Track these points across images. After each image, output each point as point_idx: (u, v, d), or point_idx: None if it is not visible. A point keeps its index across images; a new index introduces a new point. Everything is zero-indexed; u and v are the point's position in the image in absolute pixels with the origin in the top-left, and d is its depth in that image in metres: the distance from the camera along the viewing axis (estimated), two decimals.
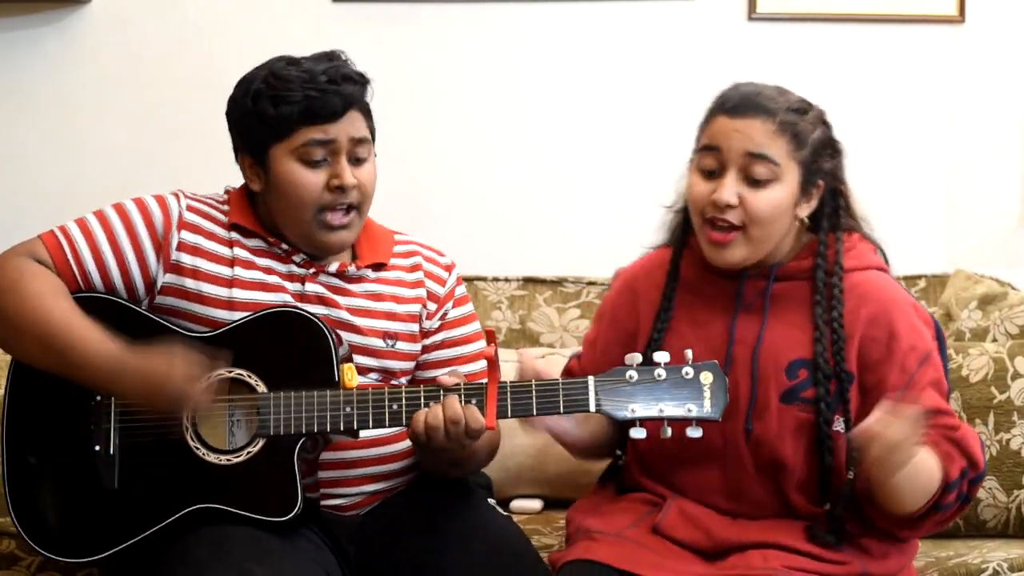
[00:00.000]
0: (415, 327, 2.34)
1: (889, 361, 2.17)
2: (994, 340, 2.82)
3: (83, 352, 2.11)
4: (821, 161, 2.20)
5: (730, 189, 2.14)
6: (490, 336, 2.10)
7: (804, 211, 2.21)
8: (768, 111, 2.16)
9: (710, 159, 2.18)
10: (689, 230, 2.28)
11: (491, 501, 2.38)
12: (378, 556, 2.23)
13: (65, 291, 2.19)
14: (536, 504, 2.88)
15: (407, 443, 2.30)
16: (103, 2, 3.32)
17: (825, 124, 2.23)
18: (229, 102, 2.29)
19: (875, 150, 3.33)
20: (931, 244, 3.36)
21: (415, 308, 2.34)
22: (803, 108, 2.20)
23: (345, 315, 2.27)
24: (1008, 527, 2.63)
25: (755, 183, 2.15)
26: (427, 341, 2.36)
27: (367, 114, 2.29)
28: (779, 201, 2.16)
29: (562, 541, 2.45)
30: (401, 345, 2.31)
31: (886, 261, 2.30)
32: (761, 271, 2.23)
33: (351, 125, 2.23)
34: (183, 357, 2.08)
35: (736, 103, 2.18)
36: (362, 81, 2.26)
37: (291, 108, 2.20)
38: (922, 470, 2.08)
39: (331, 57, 2.27)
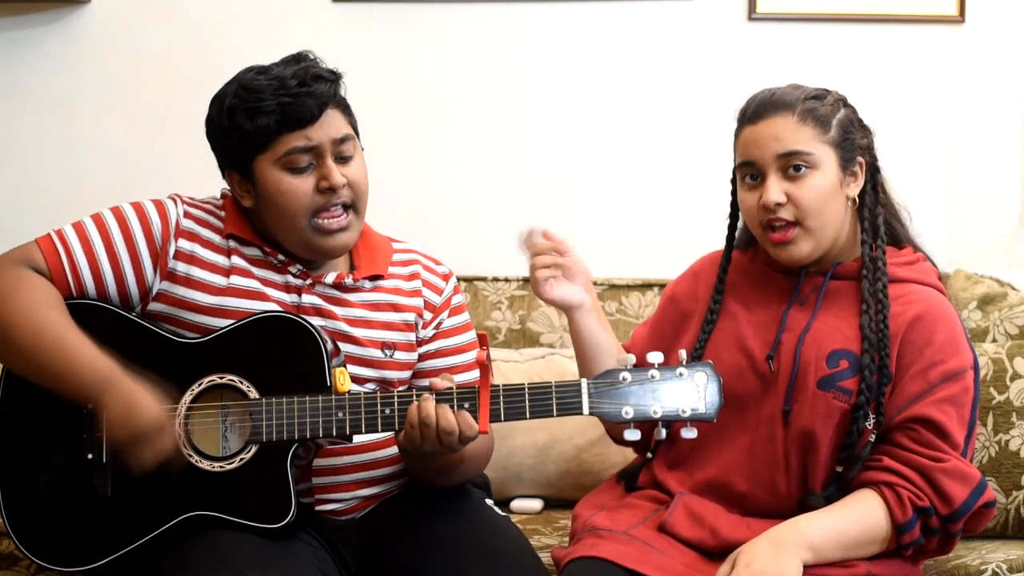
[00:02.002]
0: (412, 336, 2.34)
1: (915, 367, 2.20)
2: (994, 340, 2.82)
3: (71, 364, 2.10)
4: (854, 138, 2.26)
5: (774, 189, 2.21)
6: (482, 340, 2.09)
7: (854, 190, 2.27)
8: (785, 105, 2.23)
9: (749, 171, 2.25)
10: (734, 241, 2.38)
11: (489, 501, 2.38)
12: (375, 559, 2.23)
13: (60, 302, 2.17)
14: (536, 504, 2.88)
15: None
16: (103, 2, 3.32)
17: (848, 105, 2.29)
18: (206, 122, 2.27)
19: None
20: (932, 244, 3.31)
21: (411, 317, 2.34)
22: (820, 95, 2.26)
23: (343, 326, 2.27)
24: (1007, 528, 2.63)
25: (795, 177, 2.21)
26: (422, 350, 2.35)
27: (345, 110, 2.26)
28: (823, 187, 2.22)
29: (563, 540, 2.45)
30: (399, 355, 2.31)
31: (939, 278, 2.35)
32: (821, 268, 2.29)
33: (331, 126, 2.21)
34: (162, 399, 2.07)
35: (754, 109, 2.25)
36: (334, 78, 2.23)
37: (268, 118, 2.18)
38: (849, 535, 2.15)
39: (299, 59, 2.24)
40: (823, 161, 2.22)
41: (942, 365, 2.20)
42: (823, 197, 2.21)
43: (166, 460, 2.08)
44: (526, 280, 3.16)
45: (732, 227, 2.38)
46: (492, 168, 3.36)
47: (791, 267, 2.28)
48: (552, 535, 2.66)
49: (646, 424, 2.10)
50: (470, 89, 3.35)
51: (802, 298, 2.29)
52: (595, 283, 3.12)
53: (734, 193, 2.34)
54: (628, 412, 2.08)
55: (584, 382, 2.09)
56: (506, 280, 3.16)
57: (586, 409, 2.08)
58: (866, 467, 2.20)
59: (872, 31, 3.32)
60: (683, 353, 2.10)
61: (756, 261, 2.36)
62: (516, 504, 2.87)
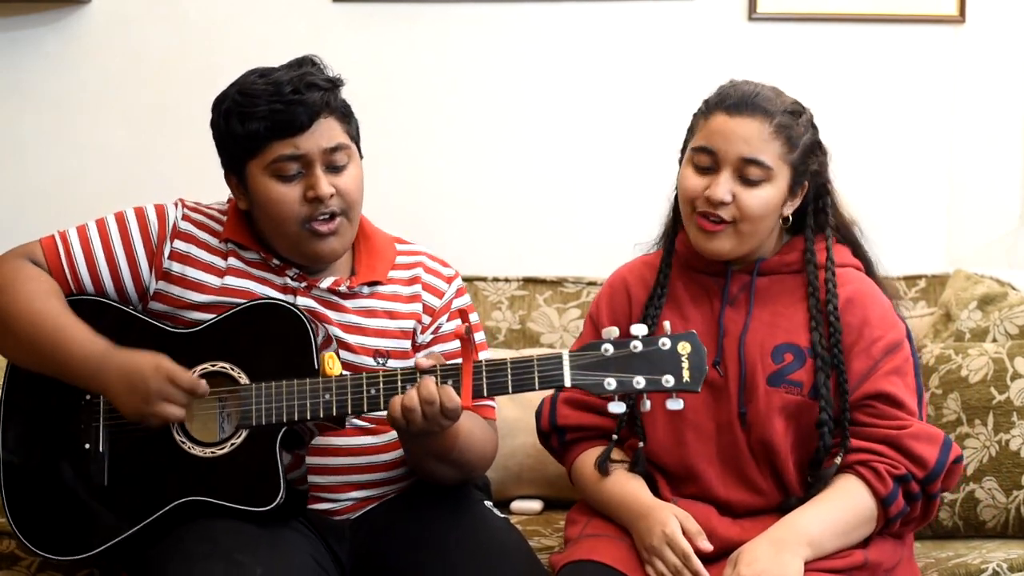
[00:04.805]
0: (407, 344, 2.34)
1: (857, 347, 2.24)
2: (994, 340, 2.81)
3: (69, 349, 2.15)
4: (809, 163, 2.27)
5: (724, 187, 2.21)
6: (462, 315, 2.10)
7: (788, 209, 2.29)
8: (767, 112, 2.22)
9: (705, 158, 2.24)
10: (678, 229, 2.35)
11: (488, 503, 2.37)
12: (371, 559, 2.23)
13: (58, 292, 2.22)
14: (536, 505, 2.88)
15: (397, 453, 2.31)
16: (103, 2, 3.32)
17: (814, 127, 2.30)
18: (210, 123, 2.28)
19: (875, 150, 3.34)
20: (931, 244, 3.36)
21: (409, 324, 2.34)
22: (797, 111, 2.27)
23: (337, 332, 2.27)
24: (1008, 527, 2.62)
25: (748, 182, 2.21)
26: (421, 354, 2.34)
27: (343, 117, 2.25)
28: (769, 200, 2.23)
29: (562, 543, 2.45)
30: (392, 363, 2.31)
31: (869, 264, 2.37)
32: (745, 267, 2.31)
33: (322, 136, 2.20)
34: (167, 360, 2.11)
35: (736, 101, 2.24)
36: (330, 86, 2.22)
37: (258, 124, 2.18)
38: (842, 521, 2.17)
39: (302, 64, 2.24)
40: (777, 177, 2.23)
41: (881, 340, 2.24)
42: (766, 210, 2.23)
43: (190, 402, 2.12)
44: (526, 280, 3.17)
45: (674, 229, 2.37)
46: (492, 168, 3.36)
47: (710, 258, 2.28)
48: (552, 536, 2.65)
49: (630, 396, 2.08)
50: (470, 89, 3.35)
51: (731, 298, 2.30)
52: (594, 283, 3.14)
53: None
54: (611, 384, 2.04)
55: (565, 354, 2.07)
56: (506, 280, 3.16)
57: (568, 381, 2.05)
58: (836, 453, 2.22)
59: (872, 31, 3.32)
60: (667, 324, 2.08)
61: (676, 264, 2.35)
62: (516, 505, 2.87)
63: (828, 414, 2.20)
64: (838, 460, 2.21)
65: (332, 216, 2.23)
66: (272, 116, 2.18)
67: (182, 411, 2.12)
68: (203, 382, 2.12)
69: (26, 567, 2.50)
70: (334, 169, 2.23)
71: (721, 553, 2.17)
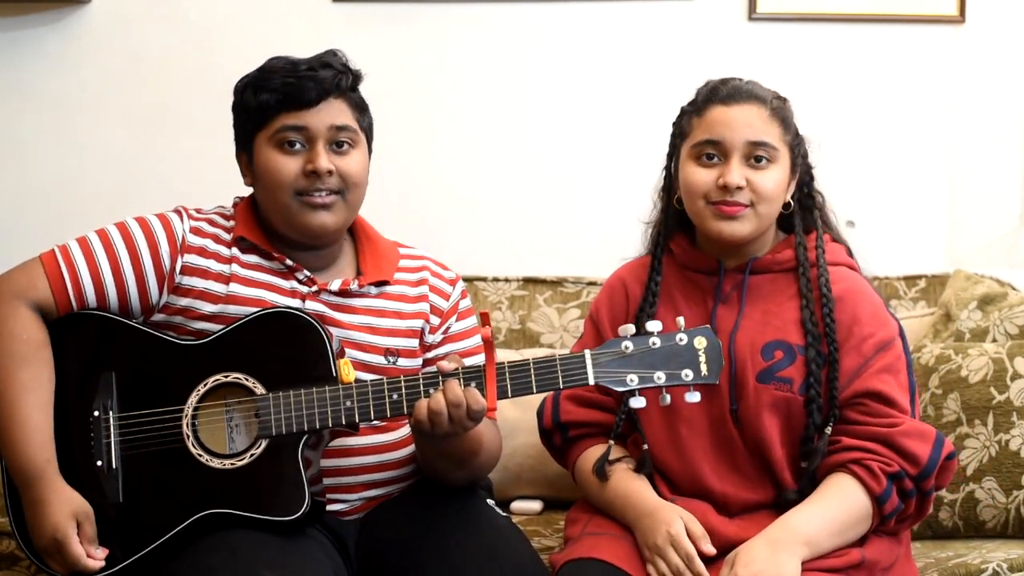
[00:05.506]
0: (415, 343, 2.34)
1: (848, 344, 2.26)
2: (994, 340, 2.81)
3: (14, 440, 2.12)
4: (801, 146, 2.34)
5: (737, 172, 2.25)
6: (484, 318, 2.10)
7: (788, 194, 2.33)
8: (760, 98, 2.29)
9: (711, 149, 2.27)
10: (669, 231, 2.39)
11: (490, 502, 2.38)
12: (378, 557, 2.23)
13: (38, 351, 2.16)
14: (536, 505, 2.88)
15: (407, 450, 2.31)
16: (103, 2, 3.32)
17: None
18: (231, 107, 2.31)
19: (875, 150, 3.34)
20: (931, 244, 3.36)
21: (417, 323, 2.35)
22: (782, 97, 2.33)
23: (347, 333, 2.27)
24: (1008, 528, 2.62)
25: (757, 166, 2.26)
26: (430, 355, 2.35)
27: (355, 105, 2.29)
28: (779, 179, 2.28)
29: (562, 543, 2.45)
30: (402, 362, 2.32)
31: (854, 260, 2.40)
32: (738, 266, 2.33)
33: (328, 114, 2.24)
34: (71, 528, 2.08)
35: (729, 92, 2.30)
36: (345, 71, 2.26)
37: (269, 96, 2.23)
38: (838, 520, 2.18)
39: (326, 53, 2.28)
40: (781, 157, 2.28)
41: (872, 338, 2.26)
42: (778, 189, 2.28)
43: (75, 567, 2.09)
44: (526, 280, 3.17)
45: (665, 213, 2.41)
46: (492, 168, 3.36)
47: (725, 246, 2.30)
48: (552, 536, 2.65)
49: (650, 391, 2.12)
50: (470, 89, 3.35)
51: (724, 296, 2.32)
52: (594, 283, 3.13)
53: (667, 179, 2.39)
54: (633, 380, 2.10)
55: (588, 353, 2.11)
56: (506, 280, 3.16)
57: (591, 379, 2.10)
58: (828, 452, 2.23)
59: (872, 31, 3.32)
60: (681, 320, 2.12)
61: (671, 264, 2.38)
62: (516, 505, 2.87)
63: (816, 390, 2.22)
64: (828, 430, 2.22)
65: (328, 194, 2.24)
66: (283, 89, 2.22)
67: (63, 570, 2.10)
68: (91, 561, 2.09)
69: (26, 567, 2.50)
70: (338, 151, 2.25)
71: (718, 552, 2.18)
